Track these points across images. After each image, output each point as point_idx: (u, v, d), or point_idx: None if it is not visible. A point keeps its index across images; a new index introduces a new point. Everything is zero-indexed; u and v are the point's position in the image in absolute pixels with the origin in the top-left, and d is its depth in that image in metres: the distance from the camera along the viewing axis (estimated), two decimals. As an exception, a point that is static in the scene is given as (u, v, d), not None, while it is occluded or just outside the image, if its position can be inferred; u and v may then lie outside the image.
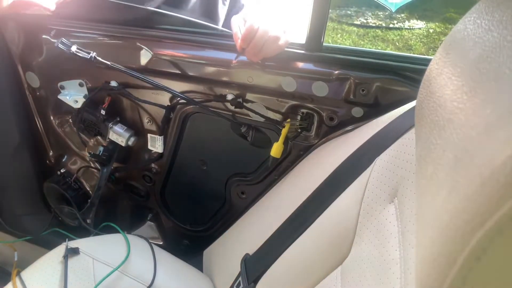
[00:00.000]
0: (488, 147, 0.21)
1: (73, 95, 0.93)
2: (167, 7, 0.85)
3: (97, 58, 0.81)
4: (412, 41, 3.92)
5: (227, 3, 0.96)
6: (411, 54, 0.69)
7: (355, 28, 4.17)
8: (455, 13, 4.33)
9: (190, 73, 0.81)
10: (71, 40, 0.85)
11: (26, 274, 0.77)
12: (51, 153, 1.13)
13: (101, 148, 0.99)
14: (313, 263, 0.59)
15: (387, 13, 4.28)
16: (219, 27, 0.91)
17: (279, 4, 0.73)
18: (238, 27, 0.69)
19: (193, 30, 0.81)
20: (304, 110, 0.76)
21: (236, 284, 0.72)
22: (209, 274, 0.91)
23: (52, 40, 0.89)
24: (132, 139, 0.97)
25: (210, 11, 0.92)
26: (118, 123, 0.96)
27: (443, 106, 0.29)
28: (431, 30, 4.12)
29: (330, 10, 0.67)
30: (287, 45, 0.71)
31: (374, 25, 4.23)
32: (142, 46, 0.82)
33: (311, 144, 0.78)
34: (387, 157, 0.53)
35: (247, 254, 0.74)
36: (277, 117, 0.79)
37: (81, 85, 0.93)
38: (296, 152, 0.80)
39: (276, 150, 0.78)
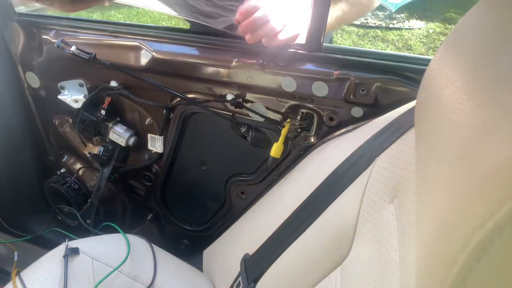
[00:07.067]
0: (488, 147, 0.21)
1: (73, 95, 0.93)
2: None
3: (97, 58, 0.81)
4: (412, 41, 3.91)
5: None
6: (411, 54, 0.69)
7: (355, 28, 4.17)
8: (455, 13, 4.33)
9: (190, 73, 0.81)
10: (71, 40, 0.85)
11: (26, 274, 0.77)
12: (51, 153, 1.13)
13: (101, 148, 0.99)
14: (313, 263, 0.59)
15: (387, 13, 4.27)
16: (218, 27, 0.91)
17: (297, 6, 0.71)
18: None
19: (193, 30, 0.81)
20: (304, 110, 0.76)
21: (236, 284, 0.72)
22: (209, 274, 0.91)
23: (52, 40, 0.89)
24: (132, 139, 0.97)
25: None
26: (118, 123, 0.96)
27: (443, 106, 0.29)
28: (431, 30, 4.12)
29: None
30: (286, 44, 0.70)
31: (374, 25, 4.23)
32: (142, 46, 0.82)
33: (311, 144, 0.78)
34: (387, 157, 0.53)
35: (247, 254, 0.74)
36: (277, 117, 0.79)
37: (81, 85, 0.93)
38: (296, 152, 0.80)
39: (276, 150, 0.78)
